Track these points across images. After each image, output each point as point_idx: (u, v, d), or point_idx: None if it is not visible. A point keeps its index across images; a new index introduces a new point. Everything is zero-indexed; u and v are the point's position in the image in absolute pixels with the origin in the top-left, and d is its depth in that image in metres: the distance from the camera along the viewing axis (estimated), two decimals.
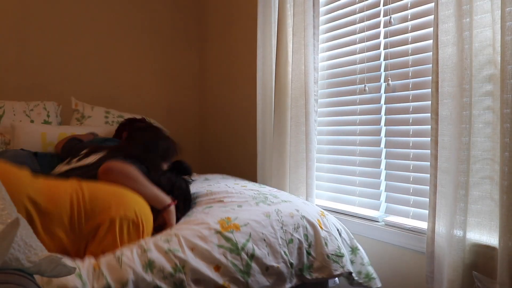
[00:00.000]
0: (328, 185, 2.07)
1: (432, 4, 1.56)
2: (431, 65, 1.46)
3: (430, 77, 1.47)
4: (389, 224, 1.73)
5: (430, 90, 1.49)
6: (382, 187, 1.80)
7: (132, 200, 1.27)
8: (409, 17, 1.68)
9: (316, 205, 2.00)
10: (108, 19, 2.97)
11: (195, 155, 3.40)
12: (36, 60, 2.72)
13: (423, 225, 1.59)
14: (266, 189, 1.81)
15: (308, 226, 1.51)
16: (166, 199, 1.44)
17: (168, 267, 1.16)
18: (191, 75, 3.37)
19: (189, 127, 3.37)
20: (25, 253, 0.72)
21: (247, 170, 2.70)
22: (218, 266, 1.24)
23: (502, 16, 1.18)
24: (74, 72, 2.85)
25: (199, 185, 1.87)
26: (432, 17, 1.55)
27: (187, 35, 3.33)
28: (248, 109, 2.72)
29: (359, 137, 1.91)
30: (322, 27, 2.08)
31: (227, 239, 1.31)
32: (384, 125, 1.80)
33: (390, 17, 1.74)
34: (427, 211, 1.49)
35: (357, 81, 1.91)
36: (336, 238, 1.56)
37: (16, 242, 0.71)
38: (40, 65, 2.73)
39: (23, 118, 2.31)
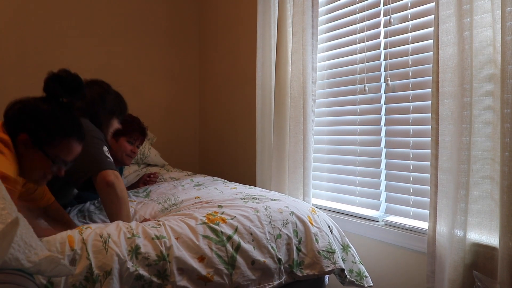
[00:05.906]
0: (328, 185, 2.07)
1: (432, 4, 1.56)
2: (431, 65, 1.46)
3: (430, 77, 1.47)
4: (389, 224, 1.73)
5: (430, 90, 1.49)
6: (382, 187, 1.80)
7: None
8: (409, 17, 1.68)
9: (312, 204, 2.00)
10: (108, 19, 2.97)
11: (195, 155, 3.40)
12: (36, 60, 2.72)
13: (423, 225, 1.59)
14: (255, 191, 1.82)
15: (297, 222, 1.51)
16: None
17: (153, 255, 1.18)
18: (191, 75, 3.36)
19: (189, 128, 3.37)
20: (25, 253, 0.72)
21: (247, 170, 2.70)
22: (202, 257, 1.25)
23: (502, 16, 1.17)
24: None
25: (189, 191, 1.87)
26: (432, 17, 1.56)
27: (187, 35, 3.32)
28: (247, 109, 2.71)
29: (359, 137, 1.91)
30: (322, 27, 2.08)
31: (213, 230, 1.32)
32: (384, 125, 1.80)
33: (390, 17, 1.74)
34: (427, 211, 1.49)
35: (357, 81, 1.91)
36: (327, 234, 1.55)
37: (16, 242, 0.70)
38: (40, 65, 2.73)
39: None
